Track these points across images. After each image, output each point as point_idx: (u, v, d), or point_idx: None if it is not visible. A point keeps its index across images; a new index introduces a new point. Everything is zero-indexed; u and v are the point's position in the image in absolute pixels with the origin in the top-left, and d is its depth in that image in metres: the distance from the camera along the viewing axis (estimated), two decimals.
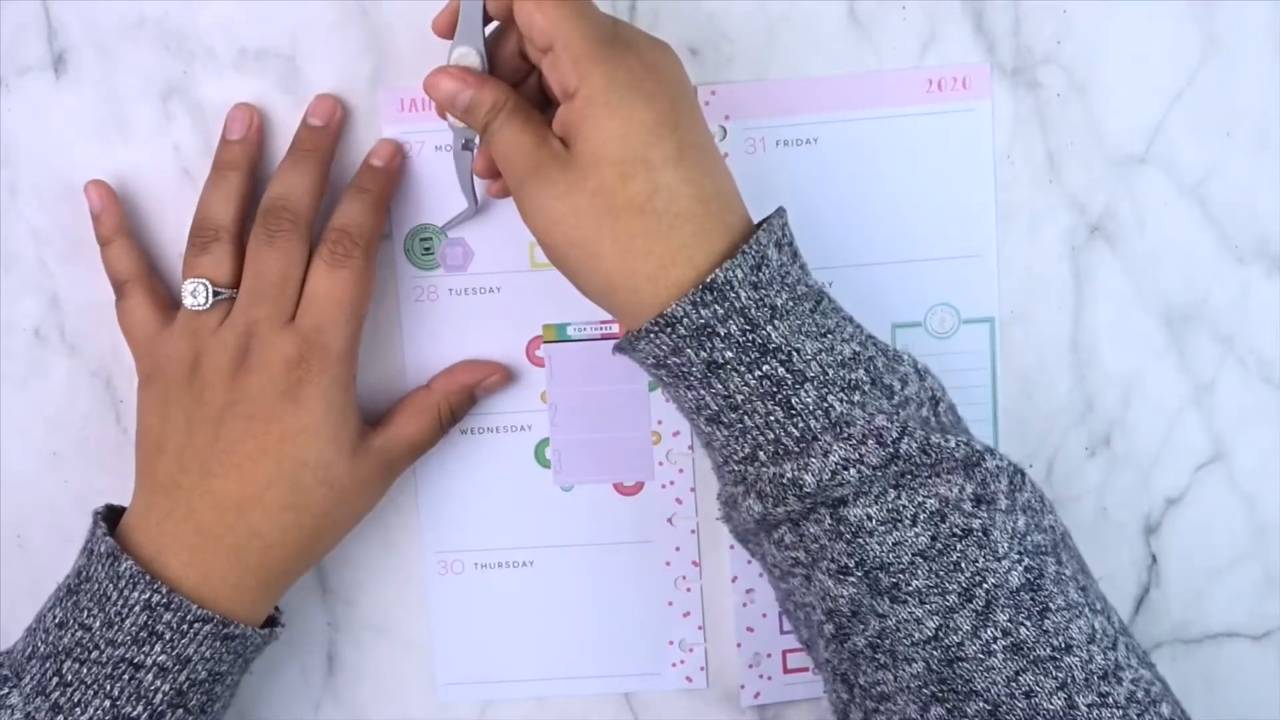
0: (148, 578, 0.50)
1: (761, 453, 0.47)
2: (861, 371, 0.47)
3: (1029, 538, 0.47)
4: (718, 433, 0.48)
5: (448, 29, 0.51)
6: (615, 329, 0.58)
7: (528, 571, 0.60)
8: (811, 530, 0.47)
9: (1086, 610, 0.47)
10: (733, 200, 0.49)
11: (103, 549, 0.51)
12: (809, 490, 0.46)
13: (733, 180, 0.49)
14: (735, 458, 0.48)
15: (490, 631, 0.60)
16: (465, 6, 0.50)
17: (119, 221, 0.56)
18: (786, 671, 0.60)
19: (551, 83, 0.48)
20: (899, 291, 0.58)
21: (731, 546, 0.59)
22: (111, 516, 0.54)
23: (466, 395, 0.58)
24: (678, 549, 0.59)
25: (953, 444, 0.46)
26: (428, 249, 0.58)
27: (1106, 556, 0.60)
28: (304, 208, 0.54)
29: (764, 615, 0.60)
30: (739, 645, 0.60)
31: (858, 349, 0.48)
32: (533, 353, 0.59)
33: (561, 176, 0.47)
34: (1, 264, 0.59)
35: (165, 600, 0.50)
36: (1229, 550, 0.61)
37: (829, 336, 0.47)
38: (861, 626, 0.47)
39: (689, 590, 0.60)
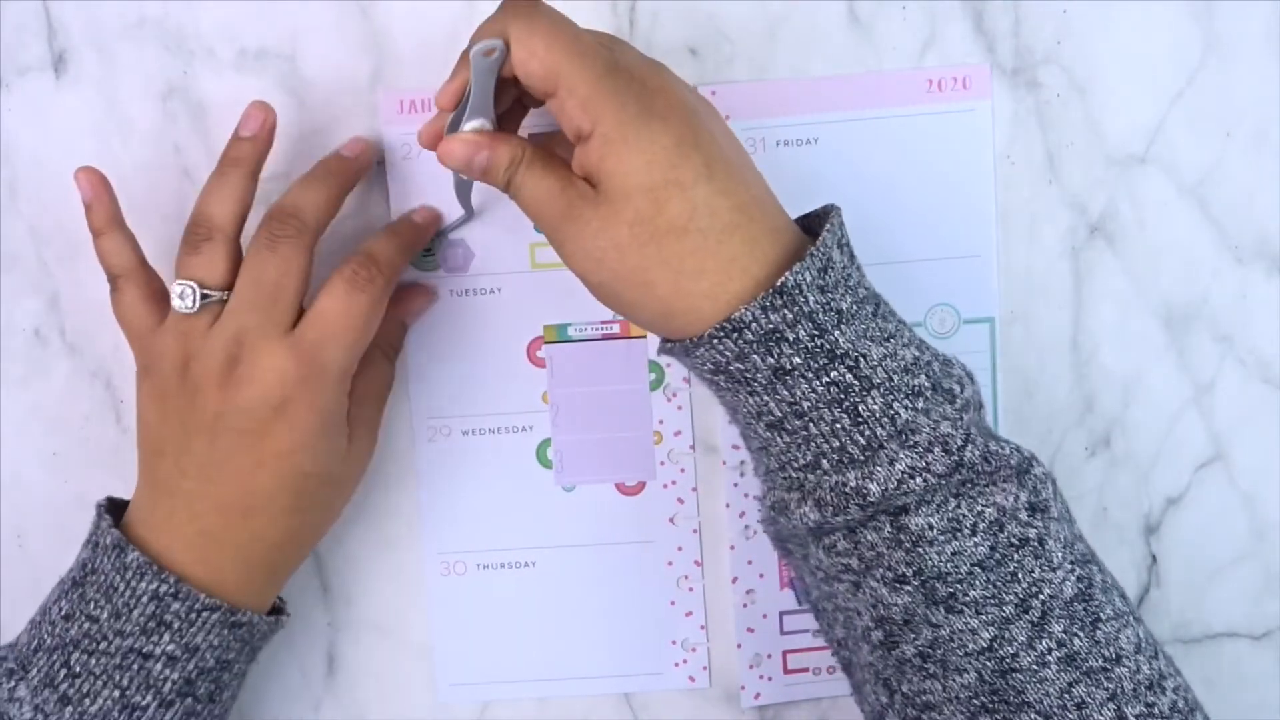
0: (155, 568, 0.50)
1: (825, 460, 0.47)
2: (923, 377, 0.47)
3: (1077, 545, 0.47)
4: (778, 439, 0.48)
5: (454, 102, 0.49)
6: (616, 329, 0.58)
7: (529, 572, 0.60)
8: (869, 538, 0.47)
9: (1131, 619, 0.47)
10: (771, 204, 0.48)
11: (108, 541, 0.51)
12: (873, 499, 0.46)
13: (766, 183, 0.49)
14: (795, 464, 0.47)
15: (492, 632, 0.60)
16: (479, 80, 0.48)
17: (112, 212, 0.54)
18: (787, 672, 0.60)
19: (562, 126, 0.47)
20: (899, 291, 0.58)
21: (732, 547, 0.59)
22: (113, 509, 0.53)
23: (399, 327, 0.58)
24: (680, 549, 0.59)
25: (1007, 450, 0.46)
26: (428, 250, 0.58)
27: (1107, 556, 0.60)
28: (313, 220, 0.53)
29: (764, 616, 0.60)
30: (739, 646, 0.60)
31: (917, 354, 0.47)
32: (534, 353, 0.59)
33: (595, 214, 0.47)
34: (1, 264, 0.59)
35: (173, 590, 0.50)
36: (1229, 550, 0.61)
37: (891, 341, 0.47)
38: (913, 635, 0.47)
39: (691, 590, 0.60)
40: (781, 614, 0.60)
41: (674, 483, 0.59)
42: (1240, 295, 0.59)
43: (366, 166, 0.56)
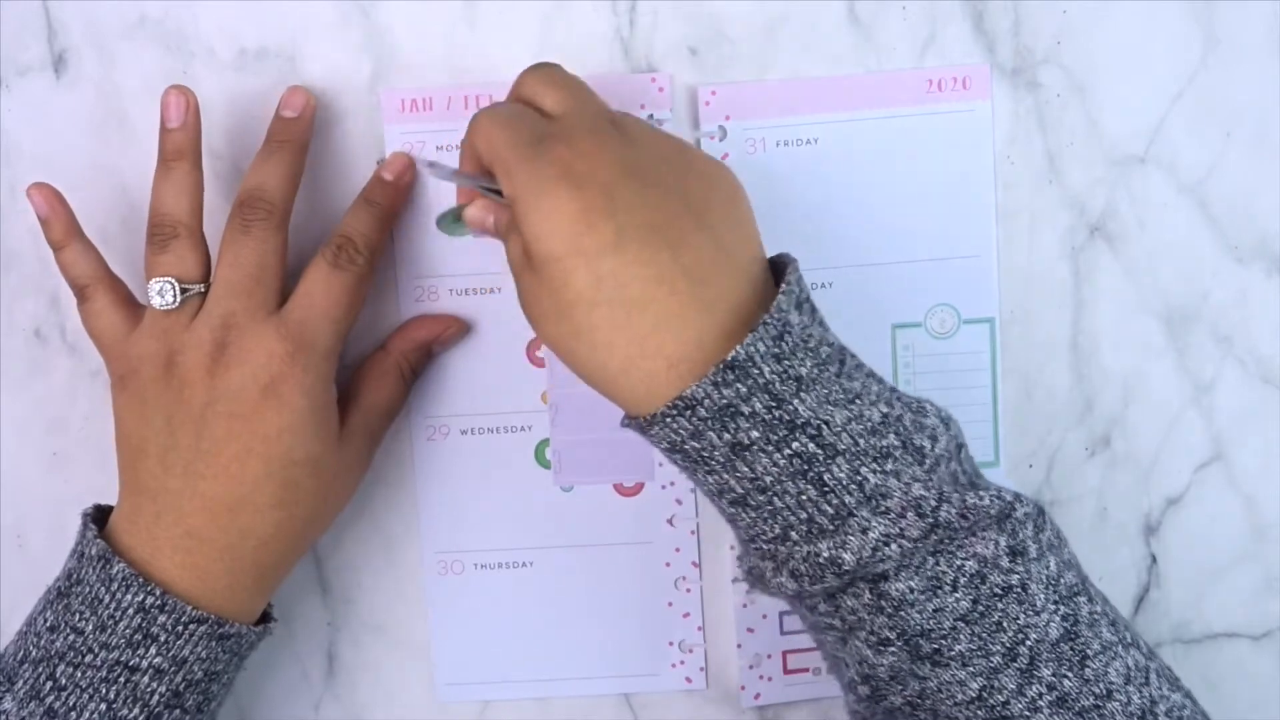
0: (140, 580, 0.50)
1: (794, 532, 0.45)
2: (892, 436, 0.45)
3: (1062, 580, 0.46)
4: (744, 514, 0.46)
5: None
6: None
7: (528, 572, 0.60)
8: (849, 604, 0.46)
9: (1120, 648, 0.46)
10: (712, 271, 0.45)
11: (94, 551, 0.51)
12: (849, 568, 0.45)
13: (722, 244, 0.46)
14: (764, 537, 0.46)
15: (490, 632, 0.60)
16: (452, 176, 0.52)
17: (70, 224, 0.55)
18: (787, 672, 0.60)
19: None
20: (899, 291, 0.58)
21: (731, 547, 0.59)
22: (100, 517, 0.53)
23: (424, 352, 0.58)
24: (678, 550, 0.59)
25: (986, 501, 0.45)
26: (458, 215, 0.57)
27: (1106, 556, 0.60)
28: (279, 198, 0.54)
29: (764, 616, 0.60)
30: (739, 646, 0.60)
31: (885, 410, 0.46)
32: (533, 353, 0.59)
33: (528, 282, 0.46)
34: (1, 264, 0.59)
35: (159, 602, 0.50)
36: (1229, 550, 0.61)
37: (857, 402, 0.45)
38: (900, 687, 0.47)
39: (689, 591, 0.60)
40: (781, 614, 0.60)
41: (672, 484, 0.59)
42: (1240, 295, 0.59)
43: (312, 118, 0.56)
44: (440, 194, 0.57)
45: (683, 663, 0.60)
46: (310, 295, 0.53)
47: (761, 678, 0.60)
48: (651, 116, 0.57)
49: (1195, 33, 0.58)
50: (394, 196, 0.56)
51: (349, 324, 0.54)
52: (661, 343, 0.44)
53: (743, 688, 0.60)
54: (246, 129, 0.58)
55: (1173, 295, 0.59)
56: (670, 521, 0.59)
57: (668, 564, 0.60)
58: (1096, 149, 0.58)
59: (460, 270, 0.58)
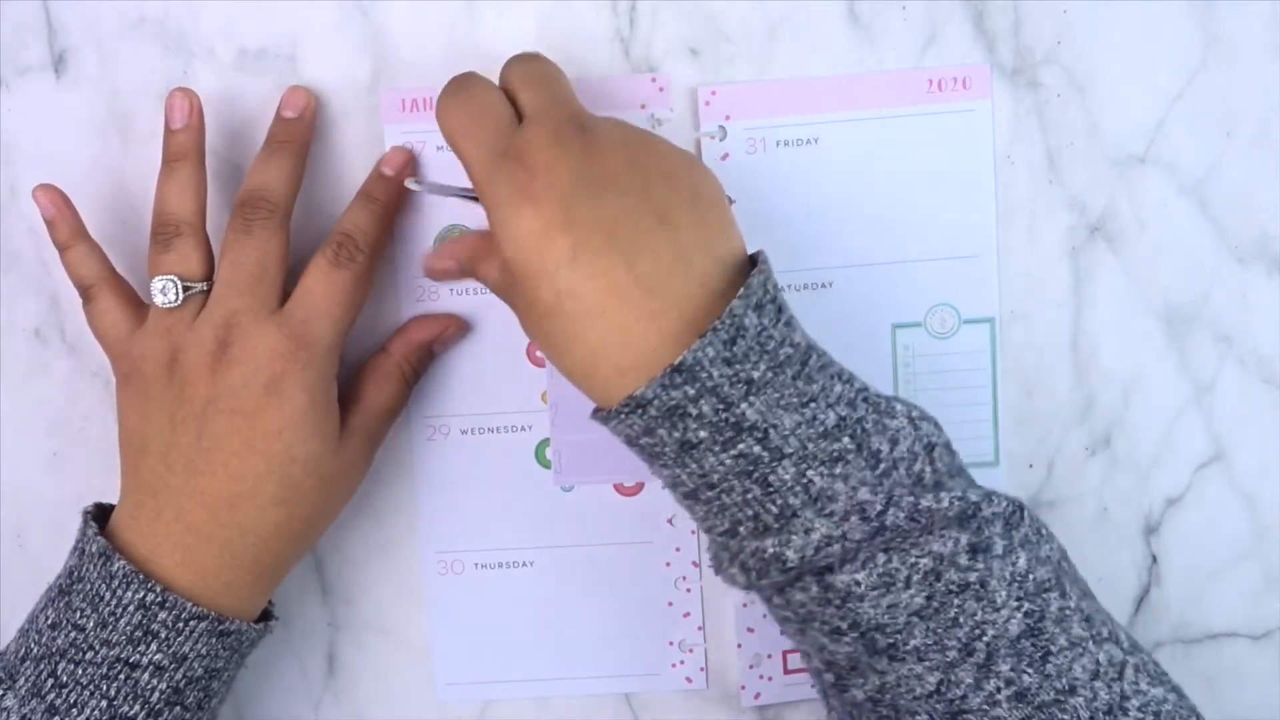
0: (141, 577, 0.50)
1: (741, 528, 0.47)
2: (846, 439, 0.46)
3: (1031, 576, 0.46)
4: (695, 508, 0.48)
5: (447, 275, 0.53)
6: None
7: (528, 572, 0.60)
8: (798, 598, 0.47)
9: (1090, 644, 0.46)
10: (667, 280, 0.46)
11: (94, 549, 0.51)
12: (792, 565, 0.46)
13: (681, 247, 0.46)
14: (715, 531, 0.48)
15: (490, 632, 0.60)
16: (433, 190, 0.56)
17: (75, 225, 0.55)
18: (787, 672, 0.60)
19: None
20: (899, 291, 0.58)
21: None
22: (101, 515, 0.53)
23: (425, 353, 0.58)
24: (678, 549, 0.59)
25: (945, 503, 0.45)
26: None
27: (1106, 556, 0.60)
28: (281, 197, 0.54)
29: (764, 616, 0.59)
30: (739, 646, 0.60)
31: (844, 413, 0.46)
32: (533, 353, 0.59)
33: (513, 296, 0.48)
34: (1, 264, 0.59)
35: (160, 599, 0.50)
36: (1229, 550, 0.61)
37: (812, 405, 0.46)
38: (861, 680, 0.47)
39: (689, 591, 0.60)
40: None
41: None
42: (1240, 295, 0.59)
43: (313, 118, 0.57)
44: (440, 209, 0.57)
45: (683, 663, 0.60)
46: (311, 293, 0.53)
47: (761, 678, 0.60)
48: (652, 116, 0.57)
49: (1195, 33, 0.58)
50: (394, 192, 0.56)
51: (350, 321, 0.54)
52: (609, 353, 0.46)
53: (743, 688, 0.60)
54: (246, 129, 0.58)
55: (1173, 295, 0.59)
56: (670, 521, 0.59)
57: (668, 564, 0.60)
58: (1096, 149, 0.58)
59: None
